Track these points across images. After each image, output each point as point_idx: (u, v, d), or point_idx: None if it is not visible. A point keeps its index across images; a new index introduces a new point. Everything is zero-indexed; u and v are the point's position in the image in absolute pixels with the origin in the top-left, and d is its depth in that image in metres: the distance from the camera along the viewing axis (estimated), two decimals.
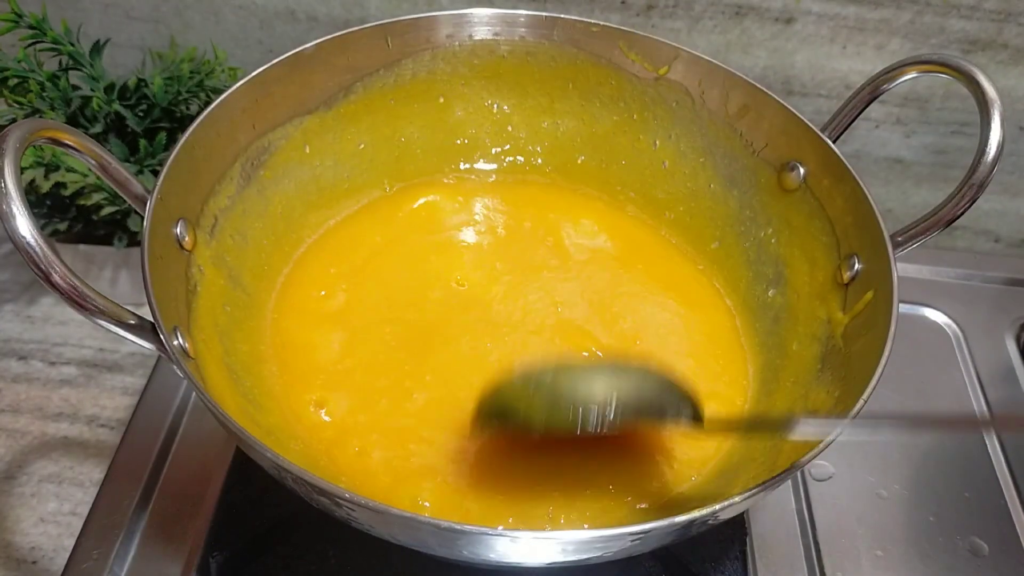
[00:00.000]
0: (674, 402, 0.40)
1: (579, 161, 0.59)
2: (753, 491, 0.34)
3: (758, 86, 0.52)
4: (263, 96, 0.49)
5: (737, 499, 0.33)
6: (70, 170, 0.55)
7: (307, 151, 0.53)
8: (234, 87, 0.47)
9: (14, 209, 0.32)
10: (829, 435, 0.35)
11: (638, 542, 0.34)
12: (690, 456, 0.45)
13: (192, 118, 0.45)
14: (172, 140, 0.59)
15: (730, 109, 0.53)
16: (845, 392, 0.40)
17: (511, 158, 0.60)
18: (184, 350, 0.38)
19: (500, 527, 0.32)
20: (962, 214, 0.44)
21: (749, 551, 0.50)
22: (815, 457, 0.35)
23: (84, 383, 0.61)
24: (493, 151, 0.60)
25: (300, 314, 0.50)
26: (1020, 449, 0.57)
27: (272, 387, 0.46)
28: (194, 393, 0.55)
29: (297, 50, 0.50)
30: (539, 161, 0.60)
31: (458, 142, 0.59)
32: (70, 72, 0.59)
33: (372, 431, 0.44)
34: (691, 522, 0.33)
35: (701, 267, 0.55)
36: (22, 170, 0.52)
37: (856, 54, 0.64)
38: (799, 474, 0.54)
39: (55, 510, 0.54)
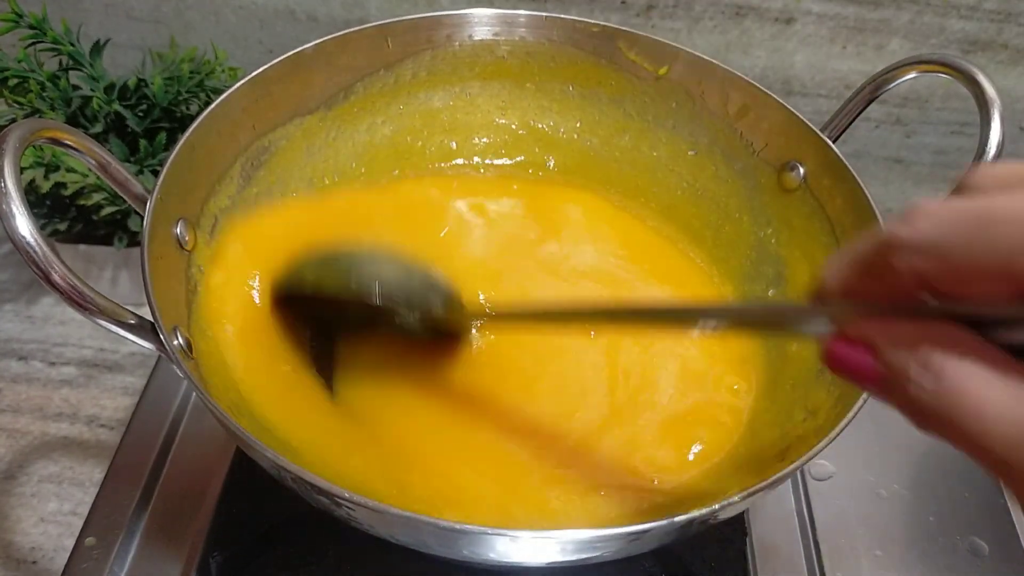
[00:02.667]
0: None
1: (578, 161, 0.59)
2: (753, 491, 0.34)
3: (758, 86, 0.52)
4: (263, 96, 0.49)
5: (736, 499, 0.33)
6: (70, 170, 0.55)
7: (307, 151, 0.53)
8: (234, 87, 0.47)
9: (14, 209, 0.32)
10: (829, 436, 0.35)
11: (637, 542, 0.34)
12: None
13: (192, 118, 0.45)
14: (172, 140, 0.59)
15: (730, 109, 0.53)
16: (845, 392, 0.40)
17: (511, 159, 0.60)
18: (184, 350, 0.39)
19: (500, 527, 0.32)
20: None
21: (749, 551, 0.50)
22: (815, 456, 0.35)
23: (84, 383, 0.61)
24: (493, 152, 0.60)
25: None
26: None
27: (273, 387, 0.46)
28: (194, 393, 0.55)
29: (297, 50, 0.50)
30: (538, 161, 0.60)
31: (458, 142, 0.59)
32: (70, 72, 0.59)
33: (376, 432, 0.44)
34: (690, 522, 0.33)
35: (702, 265, 0.55)
36: (22, 170, 0.53)
37: (856, 54, 0.65)
38: (799, 474, 0.54)
39: (55, 510, 0.54)
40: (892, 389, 0.22)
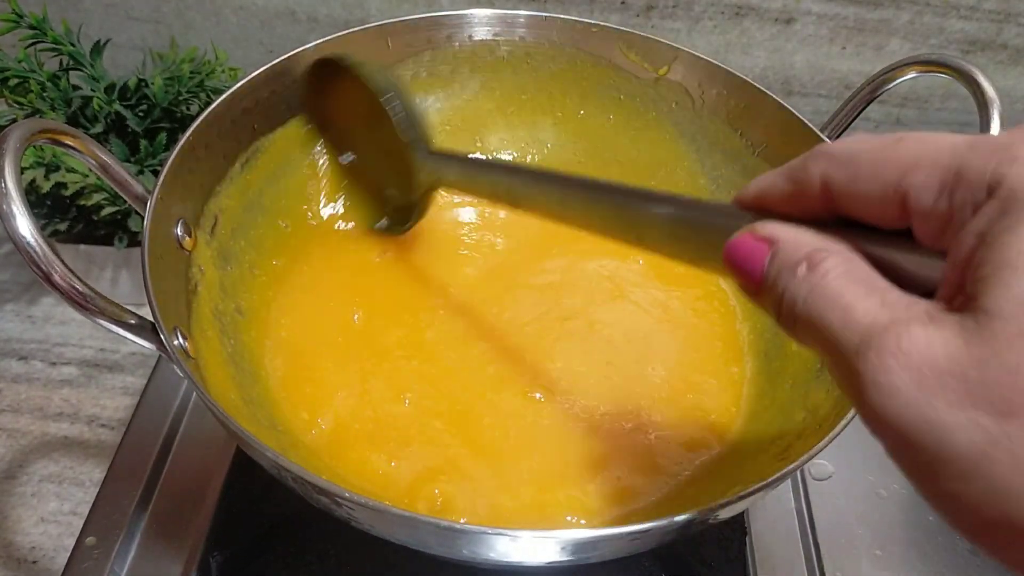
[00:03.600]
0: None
1: (578, 161, 0.59)
2: (752, 490, 0.34)
3: (758, 86, 0.52)
4: (263, 97, 0.49)
5: (736, 498, 0.33)
6: (70, 170, 0.55)
7: (307, 151, 0.53)
8: (234, 87, 0.47)
9: (14, 209, 0.32)
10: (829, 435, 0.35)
11: (637, 541, 0.34)
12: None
13: (192, 118, 0.45)
14: (172, 140, 0.59)
15: (730, 109, 0.53)
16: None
17: (511, 159, 0.60)
18: (184, 350, 0.39)
19: (500, 527, 0.32)
20: None
21: (749, 550, 0.50)
22: (815, 456, 0.35)
23: (84, 383, 0.61)
24: (493, 152, 0.60)
25: (299, 315, 0.50)
26: None
27: (272, 386, 0.46)
28: (194, 393, 0.55)
29: (297, 50, 0.50)
30: (538, 162, 0.60)
31: (458, 144, 0.59)
32: (70, 72, 0.59)
33: (372, 434, 0.44)
34: (690, 521, 0.33)
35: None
36: (22, 170, 0.53)
37: (855, 54, 0.65)
38: (798, 473, 0.55)
39: (56, 510, 0.54)
40: (773, 287, 0.23)
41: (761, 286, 0.24)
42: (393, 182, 0.51)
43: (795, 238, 0.23)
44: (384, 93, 0.48)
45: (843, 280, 0.21)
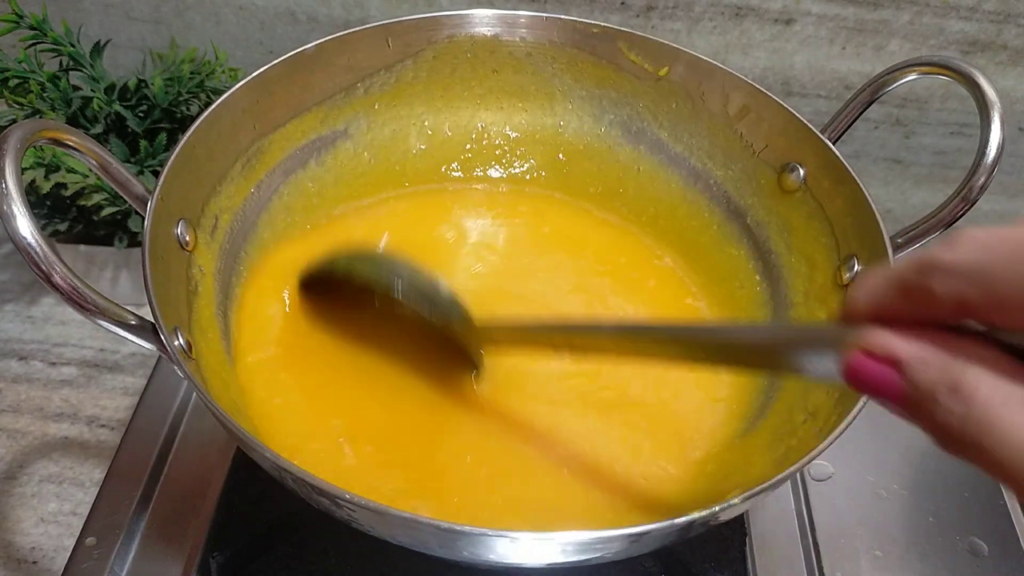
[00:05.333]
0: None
1: (578, 161, 0.59)
2: (753, 492, 0.34)
3: (758, 87, 0.52)
4: (264, 97, 0.49)
5: (736, 500, 0.33)
6: (71, 171, 0.55)
7: (307, 152, 0.53)
8: (235, 88, 0.47)
9: (15, 210, 0.32)
10: (831, 436, 0.35)
11: (637, 543, 0.34)
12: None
13: (193, 119, 0.45)
14: (172, 141, 0.59)
15: (730, 110, 0.53)
16: (845, 393, 0.40)
17: (511, 159, 0.60)
18: (185, 350, 0.39)
19: (501, 528, 0.32)
20: (962, 215, 0.45)
21: (749, 551, 0.50)
22: (815, 457, 0.35)
23: (84, 383, 0.61)
24: (492, 153, 0.60)
25: (291, 315, 0.50)
26: None
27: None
28: (195, 393, 0.55)
29: (298, 51, 0.50)
30: (538, 162, 0.60)
31: (457, 144, 0.59)
32: (71, 73, 0.59)
33: (365, 433, 0.44)
34: (691, 523, 0.33)
35: (698, 269, 0.55)
36: (23, 171, 0.53)
37: (855, 55, 0.65)
38: (798, 474, 0.55)
39: (55, 510, 0.54)
40: (918, 410, 0.20)
41: (906, 409, 0.21)
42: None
43: (920, 355, 0.20)
44: (393, 288, 0.43)
45: (997, 402, 0.19)
